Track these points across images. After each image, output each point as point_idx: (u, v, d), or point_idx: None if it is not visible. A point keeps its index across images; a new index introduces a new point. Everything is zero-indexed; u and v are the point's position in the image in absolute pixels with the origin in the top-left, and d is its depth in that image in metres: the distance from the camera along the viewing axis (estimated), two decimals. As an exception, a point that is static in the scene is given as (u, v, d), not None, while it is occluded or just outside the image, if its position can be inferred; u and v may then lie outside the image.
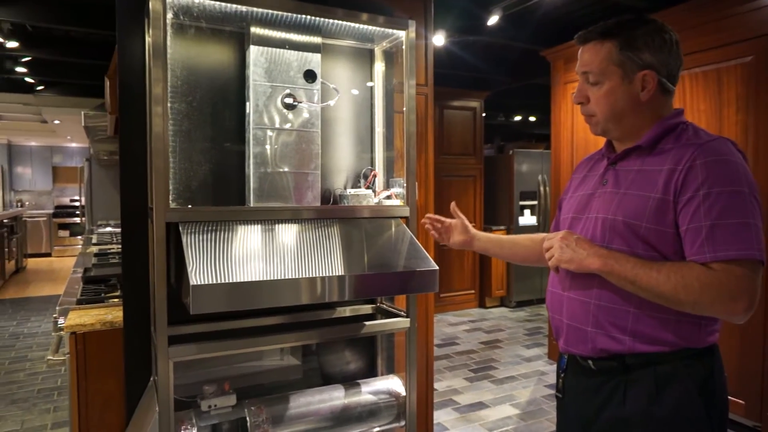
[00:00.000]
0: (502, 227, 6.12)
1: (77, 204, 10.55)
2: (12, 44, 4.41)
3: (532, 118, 8.47)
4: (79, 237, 10.04)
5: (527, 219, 6.12)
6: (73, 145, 11.27)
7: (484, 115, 6.17)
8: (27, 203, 11.10)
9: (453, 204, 1.61)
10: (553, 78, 4.12)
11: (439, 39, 4.06)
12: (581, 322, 1.12)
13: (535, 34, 4.30)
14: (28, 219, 10.12)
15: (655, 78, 1.10)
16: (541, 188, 6.12)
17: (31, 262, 9.75)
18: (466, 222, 1.55)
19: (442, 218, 1.59)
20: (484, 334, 5.05)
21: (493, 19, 3.70)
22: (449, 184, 5.81)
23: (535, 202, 6.16)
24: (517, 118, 8.45)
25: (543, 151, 6.25)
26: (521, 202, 6.11)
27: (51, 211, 10.90)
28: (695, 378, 1.05)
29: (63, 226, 10.81)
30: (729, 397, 2.84)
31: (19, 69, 5.34)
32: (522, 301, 6.14)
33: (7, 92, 6.27)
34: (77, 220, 10.51)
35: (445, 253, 5.82)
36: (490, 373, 3.96)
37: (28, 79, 5.85)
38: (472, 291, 6.09)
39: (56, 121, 8.02)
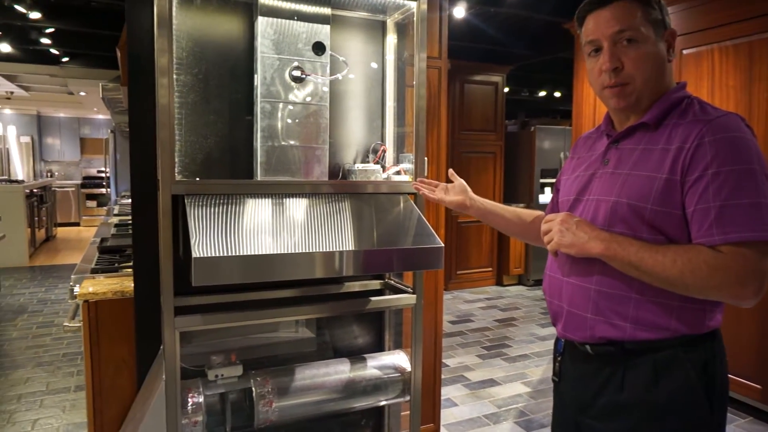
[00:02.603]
0: (521, 205, 6.05)
1: (103, 175, 10.78)
2: (35, 15, 4.45)
3: (557, 94, 8.27)
4: (105, 207, 10.30)
5: (547, 197, 6.02)
6: (100, 116, 11.46)
7: (506, 90, 6.04)
8: (56, 173, 11.38)
9: (450, 170, 1.57)
10: (576, 52, 3.99)
11: (459, 11, 3.96)
12: (581, 308, 1.09)
13: (558, 6, 4.16)
14: (57, 189, 10.38)
15: (676, 38, 1.07)
16: (563, 166, 6.01)
17: (61, 231, 10.04)
18: (465, 185, 1.49)
19: (435, 181, 1.57)
20: (500, 312, 5.04)
21: (515, -10, 3.58)
22: (468, 160, 5.73)
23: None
24: (542, 93, 8.26)
25: (566, 127, 6.11)
26: (542, 180, 6.01)
27: (79, 182, 11.16)
28: (695, 364, 1.02)
29: (90, 197, 11.08)
30: (746, 382, 2.80)
31: (44, 40, 5.41)
32: (540, 280, 6.07)
33: (34, 63, 6.37)
34: (104, 190, 10.75)
35: (463, 230, 5.79)
36: (503, 351, 3.97)
37: (54, 51, 5.92)
38: (490, 269, 6.07)
39: (82, 93, 8.14)
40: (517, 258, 6.03)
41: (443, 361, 3.64)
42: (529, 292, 5.82)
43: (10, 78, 7.61)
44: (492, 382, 3.38)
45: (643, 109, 1.09)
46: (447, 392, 3.17)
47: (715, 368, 1.03)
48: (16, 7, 4.30)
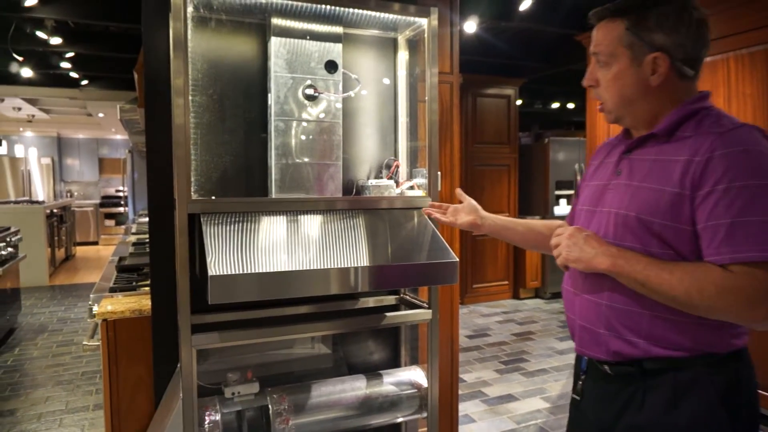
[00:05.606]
0: (536, 217, 6.00)
1: (122, 194, 10.95)
2: (56, 40, 4.58)
3: (570, 105, 8.24)
4: (123, 226, 10.44)
5: (563, 209, 5.98)
6: (118, 137, 11.68)
7: (519, 102, 6.04)
8: (75, 193, 11.58)
9: (458, 189, 1.58)
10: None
11: (470, 26, 3.98)
12: (593, 323, 1.07)
13: (568, 19, 4.16)
14: (76, 209, 10.55)
15: (667, 61, 1.01)
16: (578, 177, 5.96)
17: (80, 250, 10.18)
18: (475, 203, 1.49)
19: (445, 204, 1.59)
20: (517, 326, 4.98)
21: (525, 4, 3.60)
22: (482, 173, 5.72)
23: (571, 192, 6.01)
24: (555, 105, 8.25)
25: (580, 139, 6.08)
26: (557, 192, 5.97)
27: (98, 201, 11.34)
28: (718, 386, 0.97)
29: (109, 216, 11.25)
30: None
31: (64, 64, 5.55)
32: (557, 293, 6.01)
33: (55, 87, 6.55)
34: (122, 209, 10.91)
35: (479, 243, 5.76)
36: (521, 366, 3.91)
37: (73, 74, 6.07)
38: (506, 282, 6.01)
39: (100, 114, 8.32)
40: (533, 271, 5.98)
41: (460, 376, 3.60)
42: (547, 306, 5.75)
43: (31, 102, 7.83)
44: (510, 398, 3.33)
45: (654, 121, 1.06)
46: (465, 408, 3.13)
47: (740, 391, 0.98)
48: (38, 33, 4.43)
